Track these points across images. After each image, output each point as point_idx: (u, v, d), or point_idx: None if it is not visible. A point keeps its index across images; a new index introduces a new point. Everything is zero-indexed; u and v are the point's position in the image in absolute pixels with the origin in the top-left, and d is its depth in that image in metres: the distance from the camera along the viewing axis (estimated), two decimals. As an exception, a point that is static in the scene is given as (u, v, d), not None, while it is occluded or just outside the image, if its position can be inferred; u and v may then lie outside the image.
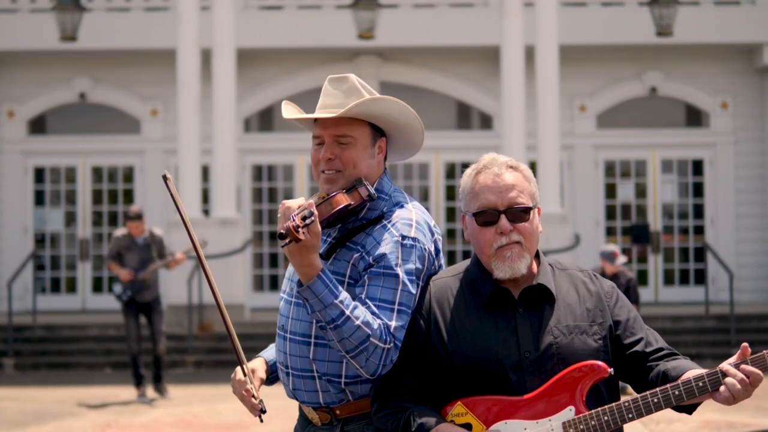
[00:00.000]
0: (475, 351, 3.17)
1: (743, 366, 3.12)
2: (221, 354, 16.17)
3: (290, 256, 3.22)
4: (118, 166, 19.91)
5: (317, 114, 3.48)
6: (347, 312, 3.22)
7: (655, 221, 19.97)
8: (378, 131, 3.52)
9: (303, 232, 3.14)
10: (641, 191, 20.05)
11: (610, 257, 13.00)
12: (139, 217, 12.83)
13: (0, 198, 19.75)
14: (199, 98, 17.33)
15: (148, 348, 13.52)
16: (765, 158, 19.87)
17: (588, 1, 19.51)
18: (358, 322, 3.22)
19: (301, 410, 3.60)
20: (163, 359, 13.15)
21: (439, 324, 3.25)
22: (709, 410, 11.26)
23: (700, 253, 19.56)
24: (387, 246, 3.36)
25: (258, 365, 3.65)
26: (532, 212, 3.22)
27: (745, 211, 19.84)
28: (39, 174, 19.92)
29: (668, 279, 19.91)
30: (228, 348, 16.24)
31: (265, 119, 20.27)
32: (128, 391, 13.16)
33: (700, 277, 19.51)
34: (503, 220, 3.18)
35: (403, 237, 3.37)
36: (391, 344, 3.27)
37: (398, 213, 3.44)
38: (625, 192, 20.11)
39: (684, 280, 19.91)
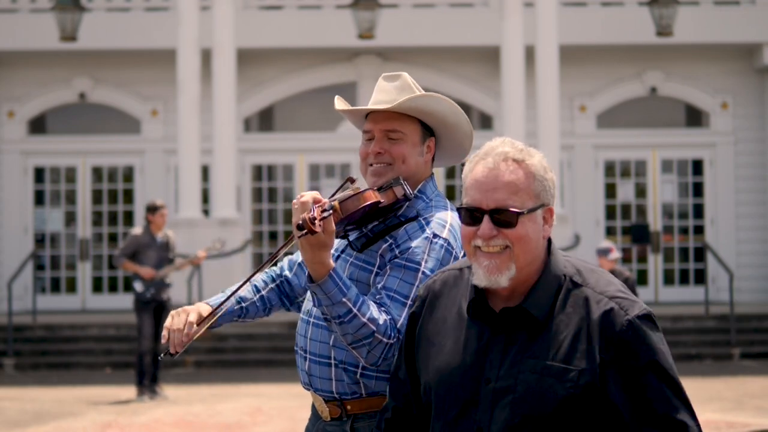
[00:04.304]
0: (440, 363, 2.80)
1: None
2: (221, 354, 16.17)
3: (302, 252, 3.22)
4: (118, 166, 19.91)
5: (368, 107, 3.51)
6: (354, 309, 3.23)
7: (655, 221, 19.97)
8: (427, 131, 3.54)
9: (318, 225, 3.12)
10: (641, 191, 20.06)
11: (604, 252, 13.06)
12: (164, 206, 13.04)
13: (0, 198, 19.76)
14: (199, 98, 17.33)
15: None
16: (765, 158, 19.87)
17: (588, 1, 19.51)
18: (364, 319, 3.23)
19: (313, 406, 3.59)
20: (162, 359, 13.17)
21: (426, 329, 2.89)
22: (709, 410, 11.27)
23: (700, 253, 19.56)
24: (416, 241, 3.37)
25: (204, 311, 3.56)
26: (524, 217, 2.71)
27: (745, 211, 19.84)
28: (39, 174, 19.92)
29: (668, 279, 19.91)
30: (228, 348, 16.24)
31: (265, 119, 20.27)
32: (128, 391, 13.16)
33: (700, 277, 19.51)
34: (485, 224, 2.69)
35: (435, 235, 3.38)
36: (395, 339, 3.27)
37: (435, 213, 3.45)
38: (625, 192, 20.11)
39: (684, 280, 19.91)
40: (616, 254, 13.09)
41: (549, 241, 2.79)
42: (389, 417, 2.96)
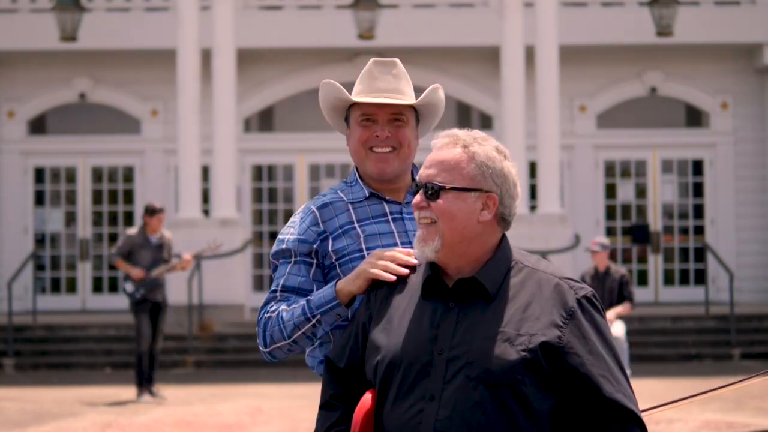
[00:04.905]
0: (391, 341, 2.86)
1: None
2: (221, 354, 16.17)
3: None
4: (118, 166, 19.91)
5: (391, 100, 3.43)
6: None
7: (655, 221, 19.97)
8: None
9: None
10: (641, 191, 20.06)
11: (599, 246, 13.10)
12: (162, 210, 13.01)
13: (0, 198, 19.76)
14: (199, 98, 17.33)
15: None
16: (765, 158, 19.87)
17: (588, 1, 19.51)
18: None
19: None
20: (158, 359, 13.15)
21: (377, 319, 2.98)
22: (709, 410, 11.26)
23: (700, 253, 19.56)
24: None
25: None
26: (450, 193, 2.83)
27: (745, 211, 19.84)
28: (39, 174, 19.92)
29: (668, 279, 19.91)
30: (228, 348, 16.25)
31: (265, 119, 20.27)
32: (128, 391, 13.16)
33: (700, 277, 19.51)
34: (417, 195, 2.89)
35: None
36: None
37: None
38: (625, 192, 20.11)
39: (684, 280, 19.90)
40: (601, 240, 13.18)
41: (504, 236, 2.91)
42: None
